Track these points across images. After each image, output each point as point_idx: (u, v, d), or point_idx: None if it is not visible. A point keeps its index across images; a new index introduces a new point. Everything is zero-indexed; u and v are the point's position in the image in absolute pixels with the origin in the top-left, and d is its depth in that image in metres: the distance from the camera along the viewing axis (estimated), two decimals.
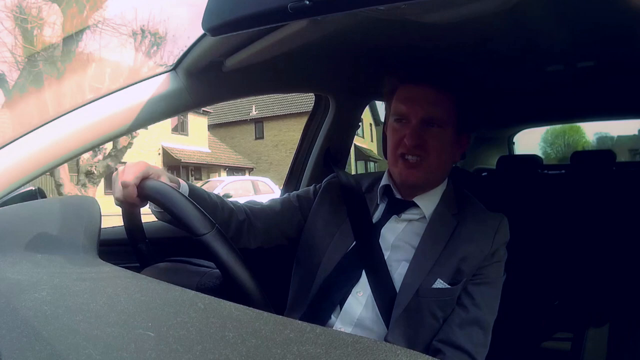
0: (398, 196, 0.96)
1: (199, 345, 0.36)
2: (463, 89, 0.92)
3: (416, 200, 0.93)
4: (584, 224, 1.63)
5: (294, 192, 1.08)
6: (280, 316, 0.43)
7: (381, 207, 0.97)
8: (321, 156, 1.48)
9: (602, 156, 2.04)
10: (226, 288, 0.70)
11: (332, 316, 0.90)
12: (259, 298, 0.65)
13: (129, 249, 0.85)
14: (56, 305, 0.44)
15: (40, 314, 0.42)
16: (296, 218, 1.02)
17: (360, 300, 0.89)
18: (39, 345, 0.35)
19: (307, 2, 0.55)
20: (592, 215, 1.63)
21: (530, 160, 2.12)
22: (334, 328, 0.88)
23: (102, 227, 0.69)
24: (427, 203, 0.93)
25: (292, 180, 1.59)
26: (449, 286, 0.87)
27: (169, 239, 1.09)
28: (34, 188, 0.95)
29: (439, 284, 0.86)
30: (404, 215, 0.94)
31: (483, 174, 2.29)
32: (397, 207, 0.95)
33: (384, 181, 0.98)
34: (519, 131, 2.86)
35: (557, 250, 1.57)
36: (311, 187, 1.07)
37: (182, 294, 0.48)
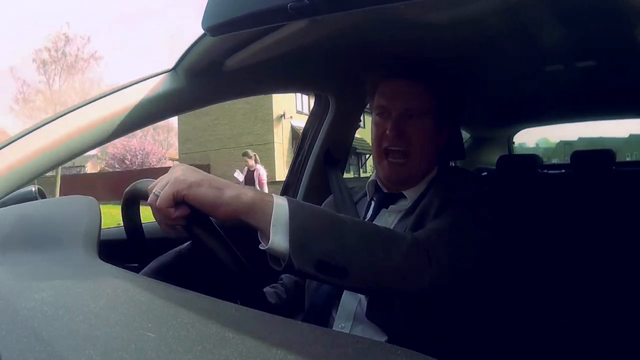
0: (385, 190, 0.99)
1: (199, 345, 0.36)
2: (441, 81, 0.95)
3: (404, 191, 0.95)
4: (584, 223, 1.63)
5: None
6: (280, 316, 0.43)
7: (372, 205, 1.00)
8: (321, 156, 1.48)
9: (602, 156, 2.04)
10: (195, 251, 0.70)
11: (332, 312, 0.91)
12: (227, 255, 0.62)
13: (129, 250, 0.85)
14: (56, 305, 0.44)
15: (40, 314, 0.42)
16: None
17: (356, 295, 0.89)
18: (39, 346, 0.35)
19: (307, 2, 0.55)
20: (592, 215, 1.63)
21: (530, 159, 2.12)
22: (335, 324, 0.89)
23: (102, 227, 0.69)
24: (414, 193, 0.95)
25: (292, 181, 1.59)
26: None
27: (169, 239, 1.09)
28: (33, 188, 0.95)
29: None
30: (392, 207, 0.96)
31: (483, 174, 2.29)
32: (385, 200, 0.97)
33: (372, 177, 1.02)
34: (519, 131, 2.86)
35: (557, 249, 1.57)
36: None
37: (182, 294, 0.48)
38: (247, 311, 0.44)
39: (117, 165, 21.89)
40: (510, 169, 2.05)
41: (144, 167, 20.33)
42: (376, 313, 0.85)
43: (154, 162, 21.69)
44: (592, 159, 2.04)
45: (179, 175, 0.61)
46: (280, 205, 0.62)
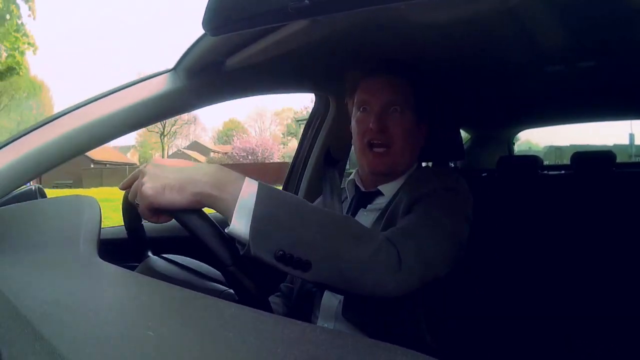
0: (363, 189, 0.99)
1: (199, 345, 0.36)
2: (420, 77, 0.97)
3: (380, 188, 0.95)
4: (584, 224, 1.63)
5: None
6: (280, 316, 0.43)
7: (352, 205, 1.00)
8: (321, 156, 1.48)
9: (602, 157, 2.03)
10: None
11: (315, 312, 0.92)
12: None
13: (129, 249, 0.85)
14: (56, 304, 0.44)
15: (40, 313, 0.42)
16: None
17: (336, 295, 0.89)
18: (39, 345, 0.35)
19: (307, 2, 0.55)
20: (592, 216, 1.63)
21: (530, 160, 2.12)
22: (318, 324, 0.89)
23: (102, 226, 0.69)
24: (391, 189, 0.94)
25: (292, 181, 1.59)
26: None
27: (169, 238, 1.09)
28: (33, 187, 0.95)
29: None
30: (369, 206, 0.96)
31: (483, 175, 2.28)
32: (363, 199, 0.97)
33: (351, 176, 1.03)
34: (519, 131, 2.85)
35: (557, 250, 1.57)
36: None
37: (182, 294, 0.48)
38: (247, 311, 0.44)
39: (245, 157, 27.58)
40: (511, 170, 2.05)
41: (265, 162, 25.95)
42: (351, 312, 0.84)
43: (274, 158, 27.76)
44: (592, 161, 2.04)
45: (143, 190, 0.61)
46: (248, 191, 0.60)
